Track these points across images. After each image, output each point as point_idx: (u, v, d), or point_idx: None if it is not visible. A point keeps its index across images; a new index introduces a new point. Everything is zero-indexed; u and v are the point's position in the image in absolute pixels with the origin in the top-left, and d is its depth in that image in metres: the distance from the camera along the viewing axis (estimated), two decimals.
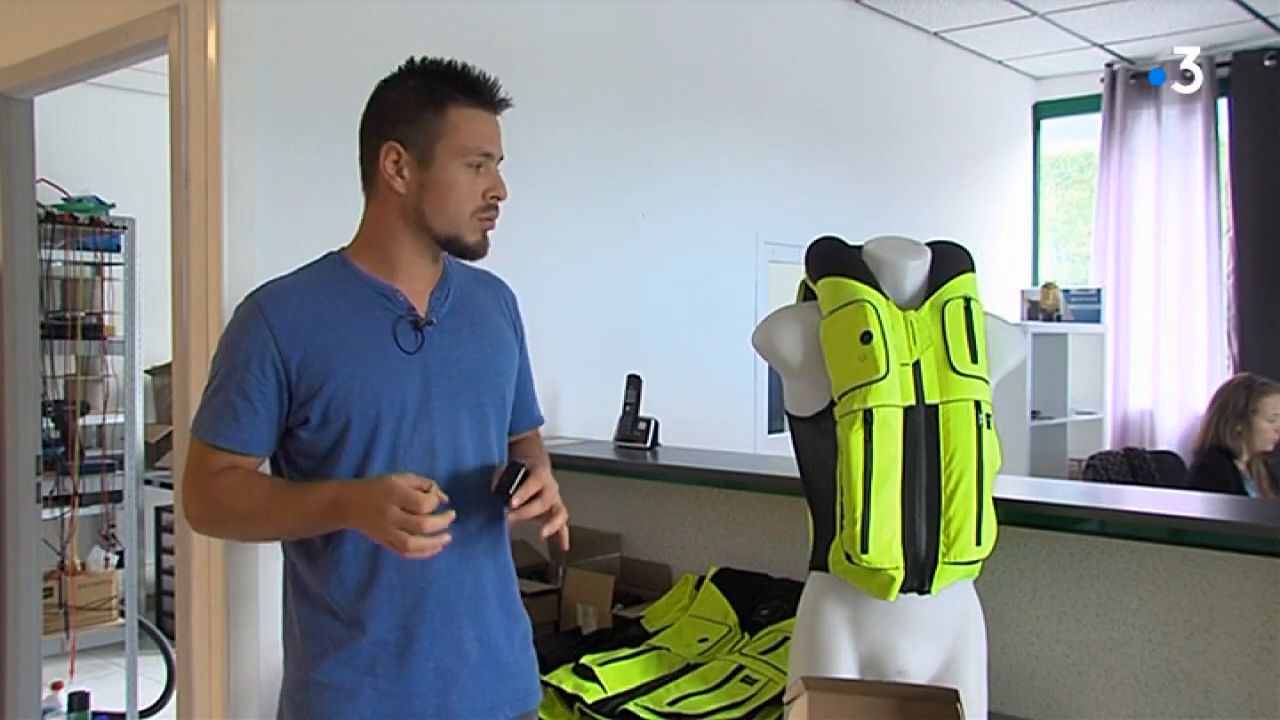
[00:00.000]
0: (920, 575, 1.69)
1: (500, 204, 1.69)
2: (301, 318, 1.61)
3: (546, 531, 1.62)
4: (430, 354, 1.65)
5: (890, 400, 1.66)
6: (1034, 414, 4.96)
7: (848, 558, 1.67)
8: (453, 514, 1.50)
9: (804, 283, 1.84)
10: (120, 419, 4.30)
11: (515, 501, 1.58)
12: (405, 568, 1.61)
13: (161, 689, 4.21)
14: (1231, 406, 3.61)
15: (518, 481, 1.59)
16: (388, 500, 1.47)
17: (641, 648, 2.32)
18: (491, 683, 1.68)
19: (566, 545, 1.67)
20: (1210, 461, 3.60)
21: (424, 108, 1.63)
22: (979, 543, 1.69)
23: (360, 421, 1.60)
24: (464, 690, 1.65)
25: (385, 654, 1.62)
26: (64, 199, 4.04)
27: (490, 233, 1.70)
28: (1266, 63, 5.13)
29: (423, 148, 1.63)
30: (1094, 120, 5.65)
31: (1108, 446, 5.24)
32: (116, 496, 4.18)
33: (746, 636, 2.35)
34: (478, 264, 1.82)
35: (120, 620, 4.21)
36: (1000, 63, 5.62)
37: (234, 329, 1.65)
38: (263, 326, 1.60)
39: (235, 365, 1.61)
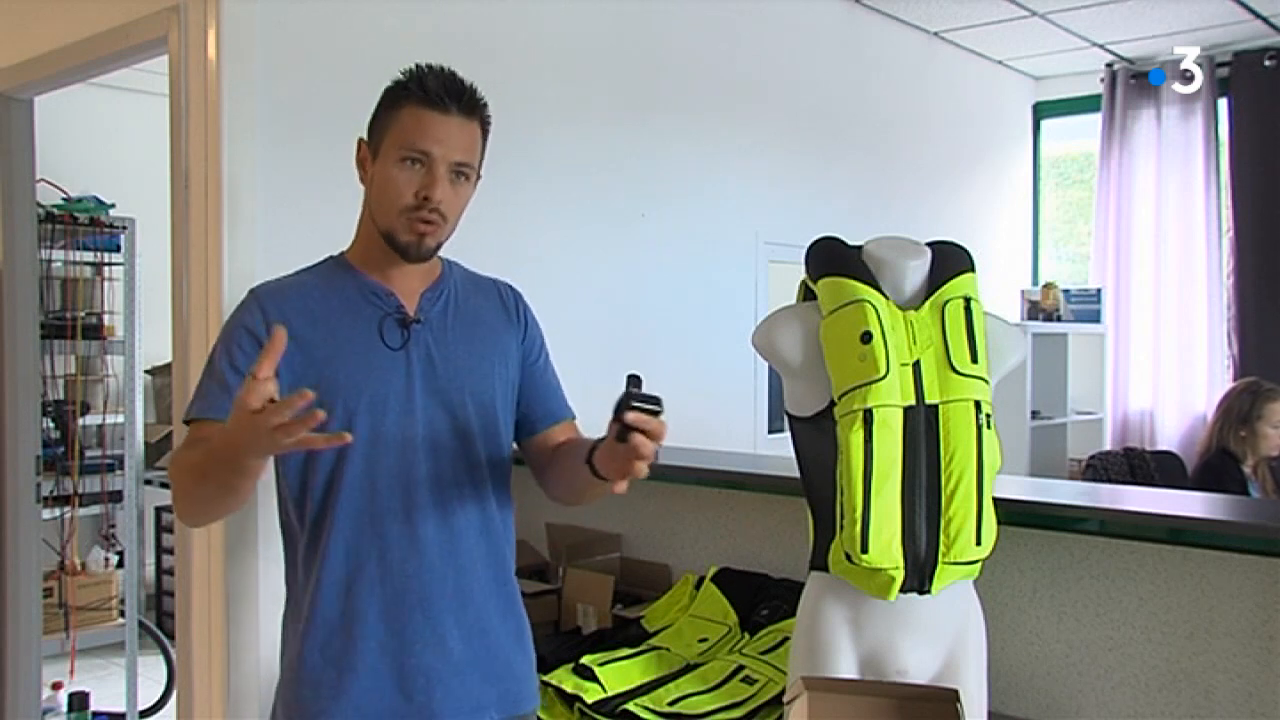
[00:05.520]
0: (920, 575, 1.68)
1: (441, 210, 1.61)
2: (293, 310, 1.64)
3: (630, 470, 1.54)
4: (415, 351, 1.67)
5: (890, 400, 1.66)
6: (1034, 414, 4.96)
7: (848, 558, 1.67)
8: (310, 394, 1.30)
9: (804, 283, 1.84)
10: (120, 419, 4.31)
11: (630, 417, 1.49)
12: (386, 564, 1.62)
13: (161, 689, 4.21)
14: (1236, 411, 3.60)
15: (648, 404, 1.51)
16: (239, 416, 1.33)
17: (641, 648, 2.32)
18: (477, 683, 1.67)
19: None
20: (1216, 462, 3.60)
21: (386, 106, 1.66)
22: (979, 543, 1.69)
23: (342, 413, 1.60)
24: (448, 689, 1.64)
25: (368, 651, 1.62)
26: (64, 199, 4.04)
27: (429, 239, 1.62)
28: (1266, 63, 5.13)
29: (376, 143, 1.66)
30: (1094, 120, 5.65)
31: (1108, 446, 5.24)
32: (116, 496, 4.18)
33: (746, 636, 2.35)
34: (485, 270, 1.84)
35: (120, 620, 4.22)
36: (1000, 63, 5.62)
37: (231, 317, 1.69)
38: (255, 309, 1.65)
39: (227, 343, 1.64)
